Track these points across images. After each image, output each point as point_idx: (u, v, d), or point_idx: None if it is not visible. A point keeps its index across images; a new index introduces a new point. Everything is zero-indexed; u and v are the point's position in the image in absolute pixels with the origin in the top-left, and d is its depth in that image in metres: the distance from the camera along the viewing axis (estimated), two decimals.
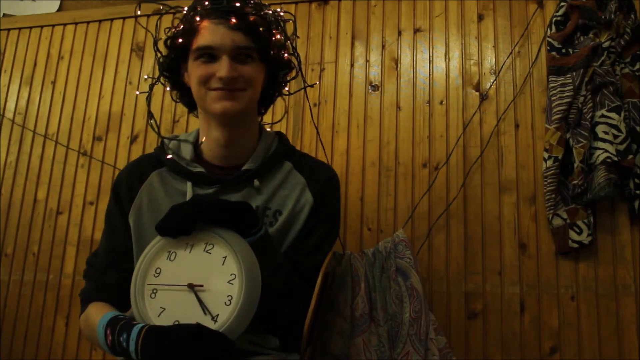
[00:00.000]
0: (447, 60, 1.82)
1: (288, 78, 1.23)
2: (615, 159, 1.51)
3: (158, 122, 2.02)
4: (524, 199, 1.65)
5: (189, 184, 1.11)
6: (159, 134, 1.28)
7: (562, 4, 1.70)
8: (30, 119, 2.15)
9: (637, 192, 1.53)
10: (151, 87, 1.23)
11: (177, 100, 1.22)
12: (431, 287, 1.64)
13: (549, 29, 1.72)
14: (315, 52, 1.93)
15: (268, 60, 1.12)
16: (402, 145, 1.77)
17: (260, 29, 1.08)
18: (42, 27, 2.24)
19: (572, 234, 1.55)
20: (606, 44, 1.59)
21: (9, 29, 2.27)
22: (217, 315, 0.92)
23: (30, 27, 2.25)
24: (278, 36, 1.14)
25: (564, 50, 1.66)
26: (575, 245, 1.55)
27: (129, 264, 1.12)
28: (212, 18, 1.06)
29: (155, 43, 1.20)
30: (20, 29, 2.26)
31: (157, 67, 1.22)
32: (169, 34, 1.14)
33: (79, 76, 2.15)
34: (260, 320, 1.00)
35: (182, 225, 0.98)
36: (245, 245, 0.98)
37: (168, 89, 1.22)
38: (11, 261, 2.02)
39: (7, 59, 2.25)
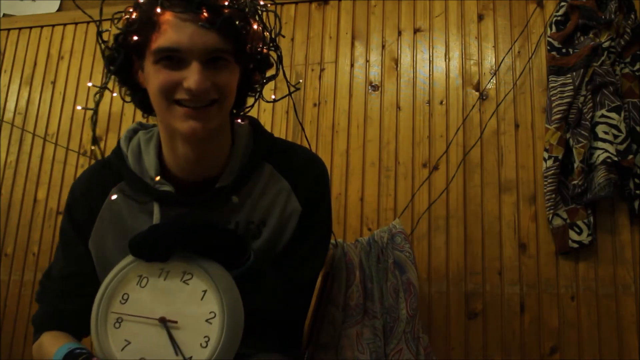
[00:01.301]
0: (447, 60, 1.82)
1: (265, 78, 1.02)
2: (615, 159, 1.51)
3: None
4: (524, 199, 1.65)
5: (156, 206, 0.94)
6: (103, 161, 1.03)
7: (563, 3, 1.70)
8: (30, 119, 2.15)
9: (637, 192, 1.53)
10: (97, 103, 0.97)
11: (128, 101, 1.00)
12: (431, 287, 1.64)
13: (549, 29, 1.72)
14: (315, 52, 1.93)
15: (244, 60, 0.92)
16: (402, 145, 1.77)
17: (237, 22, 0.87)
18: (42, 27, 2.24)
19: (572, 234, 1.55)
20: (606, 44, 1.59)
21: (9, 29, 2.27)
22: (191, 357, 0.81)
23: (30, 27, 2.26)
24: (255, 26, 0.92)
25: (564, 50, 1.66)
26: (575, 245, 1.55)
27: (89, 288, 0.96)
28: (177, 11, 0.84)
29: (100, 34, 0.96)
30: (20, 29, 2.27)
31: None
32: (118, 25, 0.92)
33: (79, 76, 2.15)
34: (258, 336, 0.94)
35: (160, 250, 0.85)
36: (229, 279, 0.86)
37: (115, 94, 1.02)
38: (11, 261, 2.02)
39: (7, 59, 2.25)
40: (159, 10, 0.85)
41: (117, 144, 1.04)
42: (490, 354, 1.57)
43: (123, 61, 0.91)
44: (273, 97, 1.12)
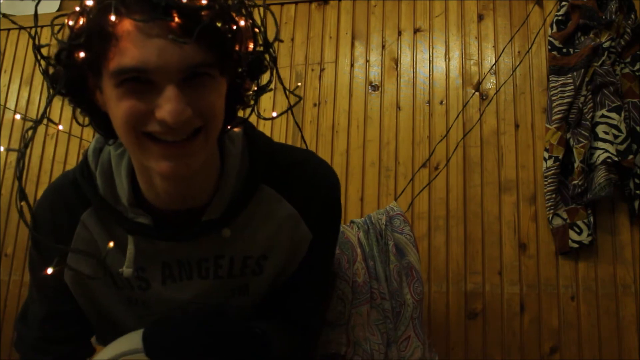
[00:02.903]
0: (447, 60, 1.82)
1: (258, 87, 0.80)
2: (616, 159, 1.51)
3: None
4: (524, 199, 1.65)
5: (130, 239, 0.79)
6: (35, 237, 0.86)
7: (564, 3, 1.70)
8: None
9: (637, 192, 1.53)
10: (26, 144, 0.72)
11: (85, 125, 0.79)
12: (431, 287, 1.64)
13: (550, 29, 1.72)
14: (315, 52, 1.93)
15: (232, 69, 0.72)
16: (402, 145, 1.77)
17: (218, 24, 0.65)
18: (42, 27, 2.24)
19: (572, 234, 1.55)
20: (606, 44, 1.59)
21: (9, 29, 2.27)
22: None
23: (30, 27, 2.25)
24: (242, 22, 0.70)
25: (564, 50, 1.66)
26: (575, 245, 1.55)
27: (71, 330, 0.88)
28: (138, 19, 0.62)
29: (38, 48, 0.76)
30: (20, 28, 2.26)
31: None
32: (59, 35, 0.74)
33: None
34: None
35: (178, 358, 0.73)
36: None
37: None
38: (11, 261, 2.02)
39: (7, 59, 2.24)
40: (113, 18, 0.63)
41: (84, 157, 0.84)
42: (490, 354, 1.57)
43: (74, 79, 0.70)
44: (274, 113, 0.92)
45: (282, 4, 1.98)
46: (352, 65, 1.89)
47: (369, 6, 1.93)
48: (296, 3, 1.98)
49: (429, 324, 1.61)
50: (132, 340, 0.75)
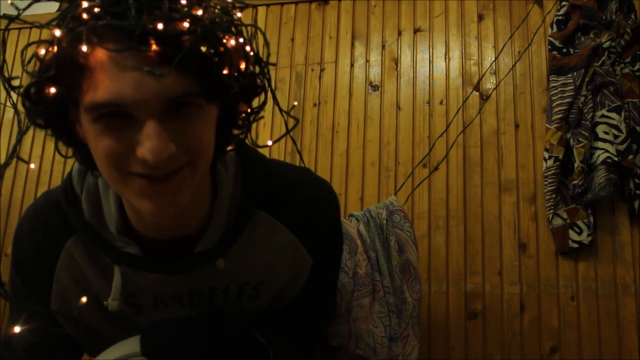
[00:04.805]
0: (447, 60, 1.82)
1: (252, 110, 0.70)
2: (616, 159, 1.51)
3: None
4: (524, 199, 1.65)
5: (117, 270, 0.75)
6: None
7: (564, 3, 1.70)
8: None
9: (637, 192, 1.53)
10: None
11: (69, 157, 0.73)
12: (431, 287, 1.64)
13: (550, 29, 1.72)
14: (315, 52, 1.93)
15: (222, 96, 0.64)
16: (402, 145, 1.77)
17: (203, 49, 0.58)
18: (42, 27, 2.24)
19: (572, 234, 1.55)
20: (607, 44, 1.59)
21: (9, 29, 2.27)
22: None
23: (30, 27, 2.26)
24: (232, 42, 0.61)
25: (564, 50, 1.66)
26: (575, 245, 1.55)
27: (61, 353, 0.84)
28: (112, 47, 0.55)
29: (8, 81, 0.71)
30: (20, 29, 2.26)
31: None
32: (28, 66, 0.68)
33: None
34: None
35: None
36: None
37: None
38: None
39: (7, 58, 2.24)
40: (85, 48, 0.56)
41: (68, 179, 0.77)
42: (490, 354, 1.57)
43: (52, 110, 0.65)
44: (269, 142, 0.81)
45: (282, 4, 1.98)
46: (352, 65, 1.89)
47: (369, 6, 1.93)
48: (296, 3, 1.98)
49: (428, 324, 1.61)
50: (129, 345, 0.74)
